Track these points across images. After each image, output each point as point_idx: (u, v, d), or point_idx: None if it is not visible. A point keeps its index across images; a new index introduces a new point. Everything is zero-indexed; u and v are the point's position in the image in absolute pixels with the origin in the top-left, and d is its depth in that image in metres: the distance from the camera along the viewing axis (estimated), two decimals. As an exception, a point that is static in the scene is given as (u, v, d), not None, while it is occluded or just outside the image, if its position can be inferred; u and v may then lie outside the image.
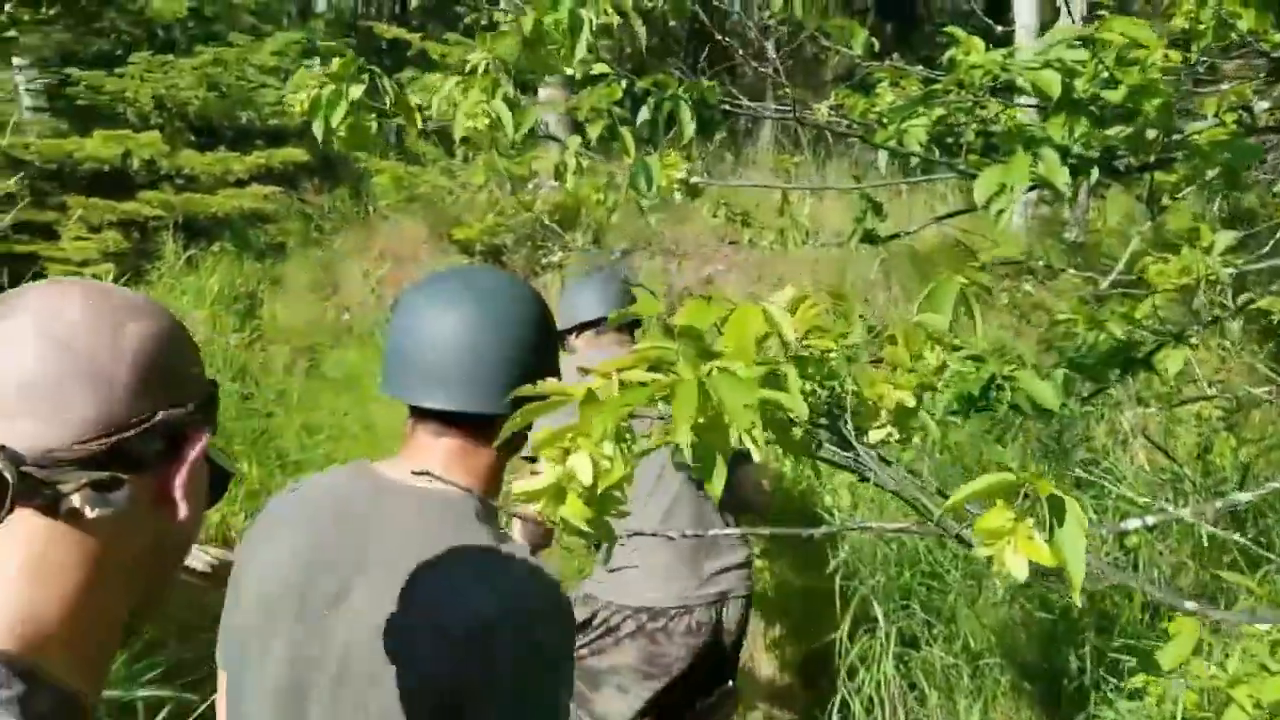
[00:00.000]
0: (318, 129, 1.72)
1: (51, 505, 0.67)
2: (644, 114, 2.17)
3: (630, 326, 2.79)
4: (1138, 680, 2.00)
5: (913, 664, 3.37)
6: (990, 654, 3.39)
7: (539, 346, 1.35)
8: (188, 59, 7.86)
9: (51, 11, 7.43)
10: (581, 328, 2.74)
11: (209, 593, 5.25)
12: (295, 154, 7.89)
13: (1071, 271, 3.59)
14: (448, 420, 1.31)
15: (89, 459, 0.68)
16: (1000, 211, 1.41)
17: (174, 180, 7.84)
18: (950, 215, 2.90)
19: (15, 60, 9.88)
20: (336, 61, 1.70)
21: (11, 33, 8.11)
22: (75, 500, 0.67)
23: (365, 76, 1.72)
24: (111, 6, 8.00)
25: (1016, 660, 3.42)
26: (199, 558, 5.46)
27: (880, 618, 3.32)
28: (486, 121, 1.79)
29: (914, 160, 1.99)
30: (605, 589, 2.54)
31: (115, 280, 7.26)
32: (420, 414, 1.33)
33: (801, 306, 0.90)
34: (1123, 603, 3.45)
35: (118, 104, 7.81)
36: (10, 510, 0.66)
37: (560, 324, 2.49)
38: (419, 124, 1.89)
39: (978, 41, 1.63)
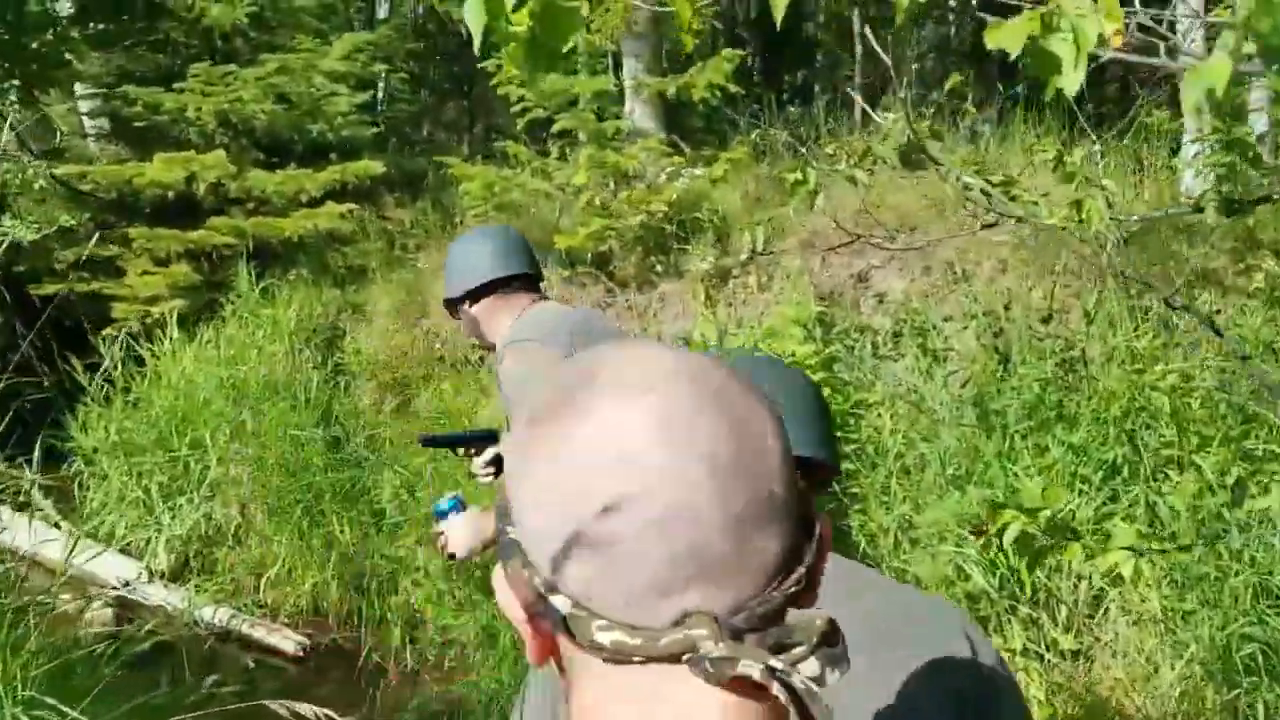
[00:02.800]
0: (475, 24, 0.84)
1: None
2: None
3: (533, 282, 2.38)
4: None
5: None
6: None
7: None
8: (251, 69, 7.17)
9: (102, 26, 6.80)
10: (478, 293, 2.31)
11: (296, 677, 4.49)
12: (371, 166, 7.15)
13: None
14: None
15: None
16: None
17: (243, 204, 7.16)
18: None
19: (78, 88, 9.39)
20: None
21: (68, 56, 7.53)
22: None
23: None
24: (166, 17, 7.34)
25: None
26: (289, 638, 4.72)
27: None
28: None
29: None
30: None
31: (188, 317, 6.58)
32: None
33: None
34: None
35: (178, 124, 7.16)
36: None
37: (451, 293, 2.35)
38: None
39: None
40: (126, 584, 5.06)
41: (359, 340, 6.43)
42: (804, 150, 6.24)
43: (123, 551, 5.26)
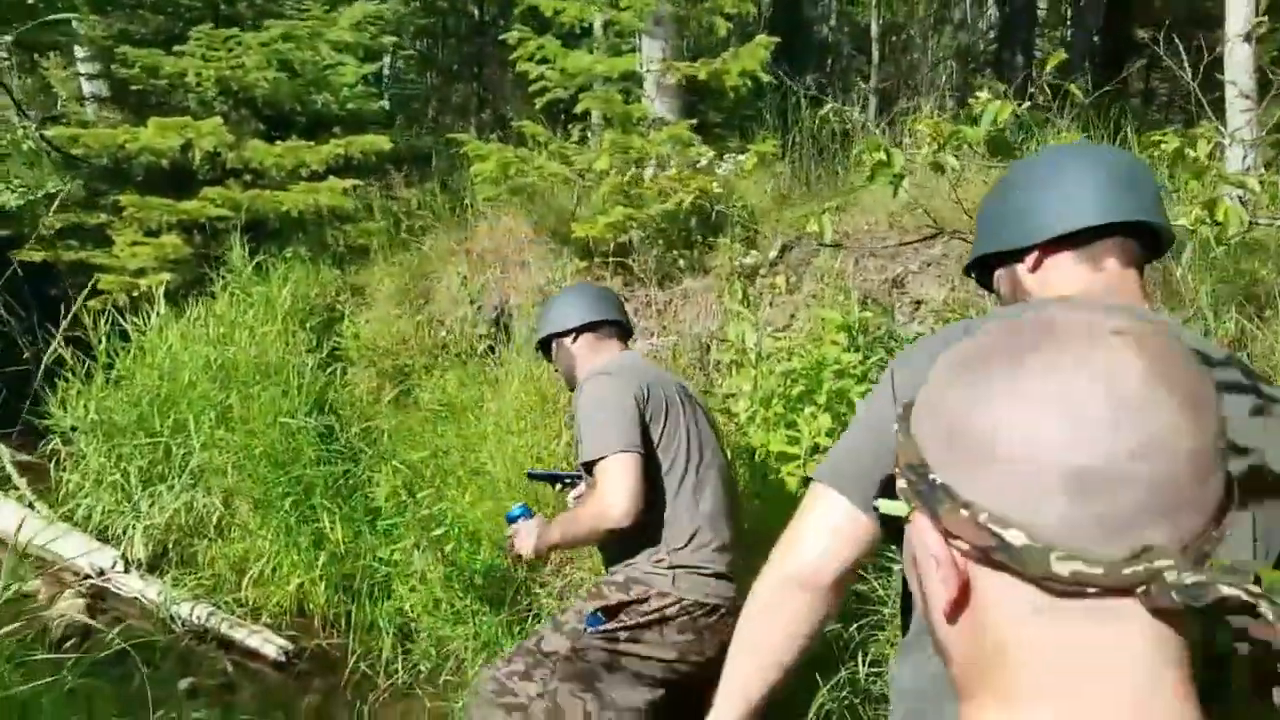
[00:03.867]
0: None
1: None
2: None
3: (625, 333, 2.87)
4: None
5: None
6: None
7: None
8: (254, 34, 6.81)
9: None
10: (580, 330, 2.78)
11: (276, 684, 4.16)
12: (378, 142, 6.80)
13: None
14: None
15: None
16: None
17: (240, 176, 6.81)
18: None
19: (78, 51, 9.03)
20: None
21: (66, 15, 7.18)
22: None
23: None
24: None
25: None
26: (271, 641, 4.39)
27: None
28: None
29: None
30: (662, 580, 2.45)
31: (176, 292, 6.24)
32: None
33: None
34: None
35: (177, 90, 6.80)
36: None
37: (553, 327, 2.80)
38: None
39: None
40: (101, 573, 4.73)
41: (357, 324, 6.09)
42: (839, 144, 5.94)
43: (100, 537, 4.93)
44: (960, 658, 0.64)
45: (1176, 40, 4.39)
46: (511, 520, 2.70)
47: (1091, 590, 0.57)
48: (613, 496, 2.29)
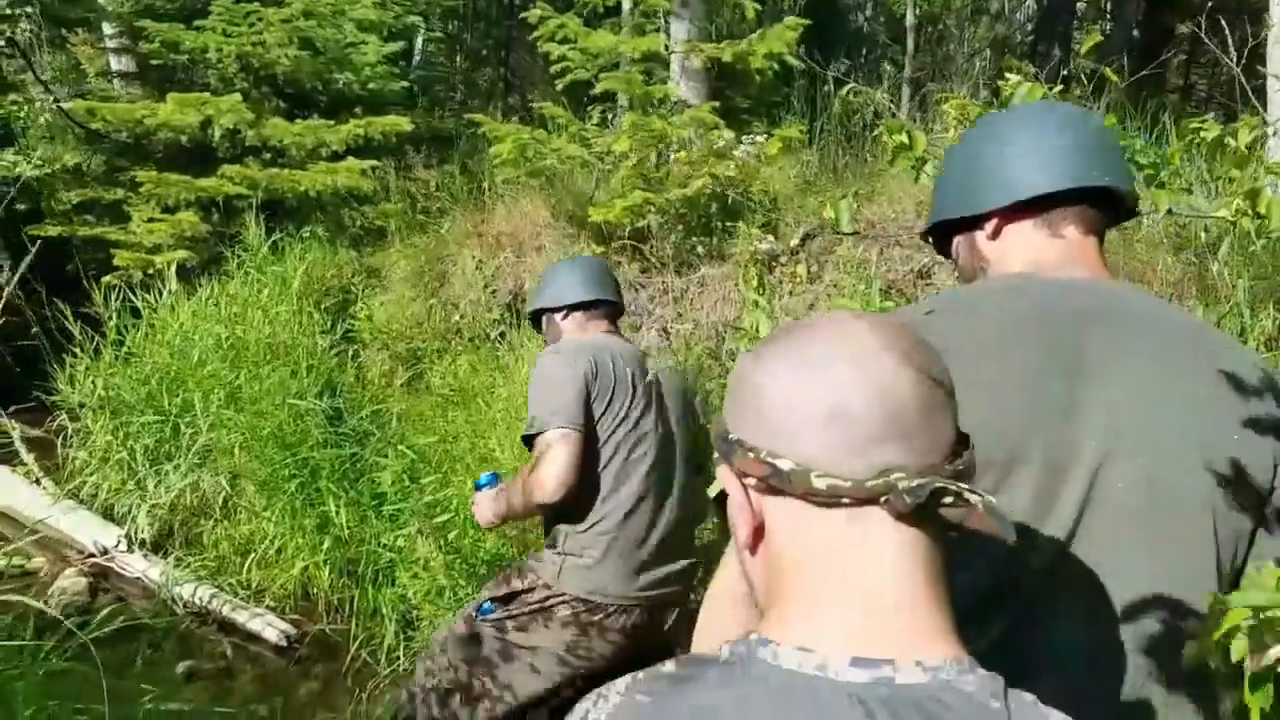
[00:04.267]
0: None
1: (932, 517, 0.74)
2: None
3: (614, 313, 2.84)
4: None
5: None
6: None
7: None
8: (274, 10, 6.73)
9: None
10: (572, 309, 2.77)
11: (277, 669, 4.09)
12: (399, 123, 6.72)
13: None
14: None
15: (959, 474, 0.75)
16: None
17: (260, 154, 6.75)
18: None
19: (106, 28, 9.01)
20: None
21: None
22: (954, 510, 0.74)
23: None
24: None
25: None
26: (273, 625, 4.33)
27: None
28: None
29: None
30: (550, 570, 2.51)
31: (192, 270, 6.19)
32: None
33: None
34: None
35: (198, 65, 6.74)
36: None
37: (546, 302, 2.77)
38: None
39: None
40: (105, 551, 4.69)
41: (371, 306, 6.01)
42: (867, 131, 5.79)
43: (105, 516, 4.89)
44: (760, 582, 0.81)
45: (1219, 25, 4.21)
46: (479, 488, 2.70)
47: (845, 500, 0.73)
48: (545, 472, 2.34)
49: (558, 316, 2.79)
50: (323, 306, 5.92)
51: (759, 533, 0.78)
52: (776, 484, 0.74)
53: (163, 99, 6.58)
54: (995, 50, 14.15)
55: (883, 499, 0.71)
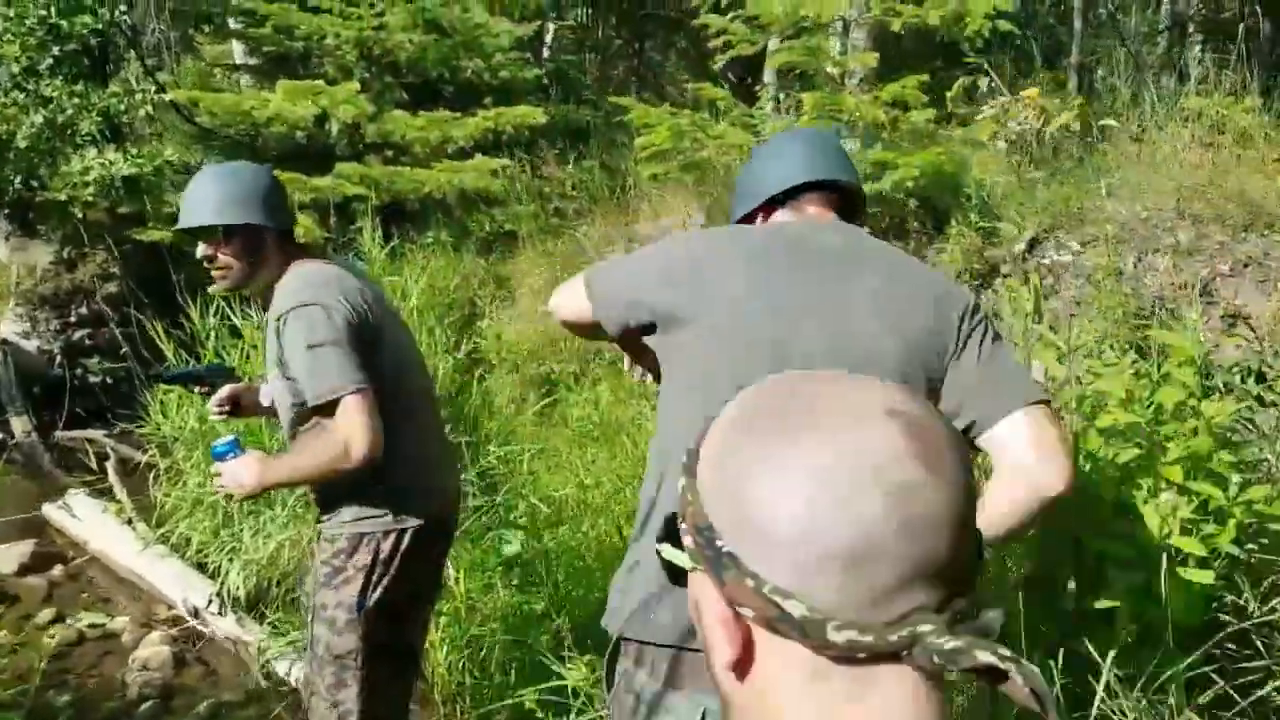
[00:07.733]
0: None
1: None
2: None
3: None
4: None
5: None
6: None
7: None
8: (399, -11, 6.05)
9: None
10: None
11: None
12: (532, 113, 5.96)
13: None
14: None
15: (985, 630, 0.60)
16: None
17: (380, 150, 6.08)
18: None
19: (232, 24, 8.61)
20: None
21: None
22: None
23: None
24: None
25: None
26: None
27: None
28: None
29: None
30: (386, 519, 2.35)
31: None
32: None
33: None
34: None
35: (314, 53, 6.11)
36: None
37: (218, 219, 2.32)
38: None
39: None
40: (195, 613, 4.04)
41: (500, 323, 5.24)
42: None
43: (197, 566, 4.26)
44: (740, 709, 0.66)
45: None
46: (219, 456, 2.33)
47: (861, 655, 0.59)
48: (357, 438, 2.14)
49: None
50: (446, 321, 5.18)
51: (746, 658, 0.62)
52: (781, 628, 0.59)
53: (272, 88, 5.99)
54: (1173, 34, 12.62)
55: (904, 652, 0.58)
